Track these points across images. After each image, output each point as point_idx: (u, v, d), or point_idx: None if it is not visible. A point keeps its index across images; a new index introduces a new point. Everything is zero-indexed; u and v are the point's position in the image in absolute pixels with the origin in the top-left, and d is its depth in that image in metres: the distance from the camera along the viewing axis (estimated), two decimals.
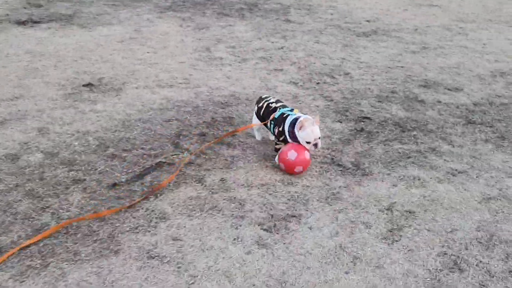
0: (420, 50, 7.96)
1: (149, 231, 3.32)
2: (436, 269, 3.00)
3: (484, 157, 4.47)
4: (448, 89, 6.24)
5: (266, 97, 4.49)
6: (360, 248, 3.18)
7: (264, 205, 3.63)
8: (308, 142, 3.88)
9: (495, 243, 3.26)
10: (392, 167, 4.24)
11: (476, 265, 3.04)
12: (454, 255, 3.13)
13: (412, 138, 4.83)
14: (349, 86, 6.28)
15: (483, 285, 2.91)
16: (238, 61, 7.14)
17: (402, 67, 7.11)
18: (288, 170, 4.00)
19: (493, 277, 2.94)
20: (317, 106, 5.59)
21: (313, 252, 3.14)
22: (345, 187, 3.91)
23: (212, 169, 4.14)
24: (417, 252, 3.15)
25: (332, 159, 4.33)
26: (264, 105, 4.37)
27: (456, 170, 4.21)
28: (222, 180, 3.96)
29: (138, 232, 3.32)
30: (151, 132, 4.79)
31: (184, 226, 3.37)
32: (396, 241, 3.25)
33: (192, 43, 7.97)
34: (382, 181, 4.01)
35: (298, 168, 3.95)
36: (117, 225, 3.40)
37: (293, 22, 9.57)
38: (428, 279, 2.95)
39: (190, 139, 4.67)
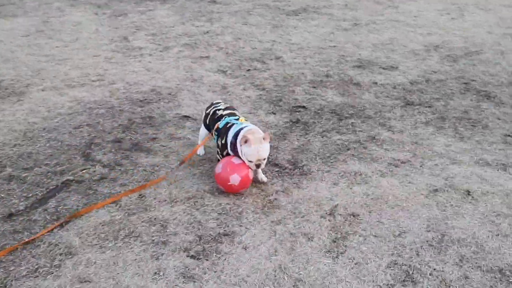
0: (352, 27, 7.65)
1: (51, 273, 2.74)
2: (388, 284, 2.65)
3: (426, 143, 4.19)
4: (383, 68, 5.96)
5: (216, 103, 3.81)
6: (303, 267, 2.76)
7: (190, 224, 3.13)
8: (250, 161, 3.27)
9: (447, 244, 2.95)
10: (332, 162, 3.86)
11: (430, 274, 2.71)
12: (405, 265, 2.79)
13: (350, 126, 4.48)
14: (282, 72, 5.85)
15: None
16: (160, 50, 6.51)
17: (334, 46, 6.76)
18: (230, 191, 3.42)
19: (449, 287, 2.63)
20: (249, 97, 5.11)
21: (249, 279, 2.69)
22: (282, 191, 3.48)
23: (129, 183, 3.58)
24: (364, 265, 2.78)
25: (268, 158, 3.88)
26: (211, 112, 3.71)
27: (398, 160, 3.90)
28: (140, 197, 3.41)
29: (37, 276, 2.73)
30: (58, 143, 4.13)
31: (95, 262, 2.81)
32: (341, 253, 2.87)
33: (108, 32, 7.22)
34: (322, 180, 3.62)
35: (242, 191, 3.43)
36: (11, 268, 2.78)
37: (219, 3, 8.98)
38: None
39: (103, 148, 4.06)
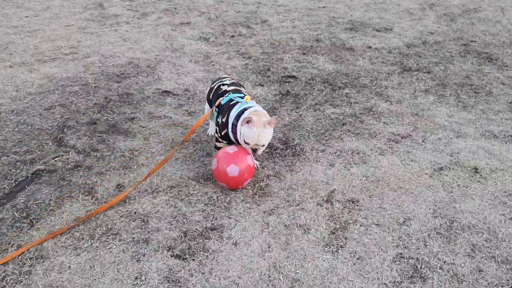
0: None
1: (20, 282, 2.45)
2: (394, 282, 2.40)
3: (427, 114, 3.89)
4: (377, 30, 5.58)
5: (223, 77, 3.43)
6: (300, 265, 2.50)
7: (174, 218, 2.83)
8: (247, 143, 2.91)
9: (457, 231, 2.70)
10: (326, 139, 3.56)
11: (440, 268, 2.47)
12: (412, 258, 2.54)
13: (345, 98, 4.15)
14: (268, 37, 5.45)
15: None
16: (137, 17, 6.04)
17: (324, 7, 6.33)
18: (234, 186, 3.02)
19: (462, 282, 2.39)
20: (234, 67, 4.73)
21: (241, 281, 2.43)
22: (274, 176, 3.18)
23: (106, 171, 3.25)
24: (367, 260, 2.53)
25: None
26: (215, 86, 3.33)
27: (398, 135, 3.60)
28: (118, 187, 3.10)
29: (4, 286, 2.43)
30: (28, 127, 3.77)
31: (69, 267, 2.52)
32: (341, 247, 2.61)
33: None
34: (317, 161, 3.32)
35: (246, 182, 3.01)
36: None
37: None
38: None
39: (77, 131, 3.70)
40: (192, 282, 2.42)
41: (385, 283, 2.39)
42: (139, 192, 3.05)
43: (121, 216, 2.86)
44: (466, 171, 3.18)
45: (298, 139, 3.57)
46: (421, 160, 3.30)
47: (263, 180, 3.14)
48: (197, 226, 2.77)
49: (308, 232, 2.71)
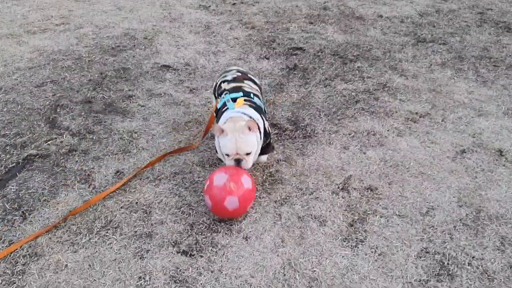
0: None
1: (13, 283, 2.25)
2: (420, 280, 2.21)
3: (445, 89, 3.64)
4: None
5: (227, 71, 2.99)
6: (317, 262, 2.31)
7: (179, 209, 2.62)
8: (227, 155, 2.48)
9: (484, 222, 2.50)
10: (339, 119, 3.32)
11: (468, 264, 2.28)
12: (438, 253, 2.35)
13: (357, 72, 3.89)
14: (272, 5, 5.12)
15: None
16: None
17: None
18: (240, 215, 2.54)
19: (493, 280, 2.20)
20: (237, 39, 4.44)
21: (254, 280, 2.23)
22: (284, 160, 2.96)
23: (103, 156, 3.02)
24: (390, 256, 2.33)
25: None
26: (218, 83, 2.92)
27: (416, 113, 3.37)
28: (117, 173, 2.88)
29: None
30: (17, 106, 3.51)
31: (66, 266, 2.32)
32: (361, 241, 2.41)
33: None
34: (330, 143, 3.09)
35: (248, 207, 2.53)
36: None
37: None
38: None
39: (71, 111, 3.45)
40: (201, 282, 2.23)
41: (410, 282, 2.20)
42: (140, 179, 2.83)
43: (121, 207, 2.64)
44: (490, 154, 2.97)
45: (308, 118, 3.33)
46: (442, 142, 3.07)
47: (272, 165, 2.92)
48: (204, 218, 2.56)
49: (324, 225, 2.50)
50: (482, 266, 2.27)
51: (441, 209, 2.58)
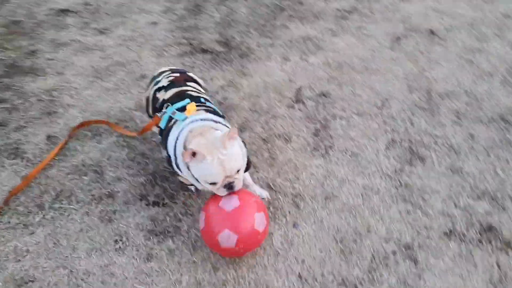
0: None
1: None
2: (395, 171, 2.25)
3: None
4: None
5: (158, 74, 2.24)
6: (295, 178, 2.25)
7: (132, 160, 2.40)
8: (213, 184, 1.78)
9: (437, 101, 2.57)
10: (270, 31, 3.16)
11: (435, 144, 2.35)
12: (404, 140, 2.39)
13: None
14: None
15: None
16: None
17: None
18: (229, 257, 1.99)
19: (460, 153, 2.29)
20: None
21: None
22: (228, 85, 2.79)
23: (26, 124, 2.65)
24: (361, 154, 2.34)
25: (197, 48, 3.10)
26: (150, 96, 2.17)
27: (344, 10, 3.29)
28: (49, 138, 2.55)
29: None
30: None
31: (27, 250, 2.06)
32: (331, 147, 2.38)
33: None
34: (269, 58, 2.95)
35: (249, 252, 1.94)
36: None
37: None
38: None
39: None
40: (184, 228, 2.09)
41: (386, 174, 2.24)
42: (78, 139, 2.53)
43: (67, 174, 2.36)
44: (423, 35, 3.01)
45: (239, 36, 3.14)
46: (376, 34, 3.06)
47: (217, 93, 2.74)
48: (164, 163, 2.37)
49: (290, 140, 2.43)
50: (447, 143, 2.35)
51: (395, 99, 2.60)
